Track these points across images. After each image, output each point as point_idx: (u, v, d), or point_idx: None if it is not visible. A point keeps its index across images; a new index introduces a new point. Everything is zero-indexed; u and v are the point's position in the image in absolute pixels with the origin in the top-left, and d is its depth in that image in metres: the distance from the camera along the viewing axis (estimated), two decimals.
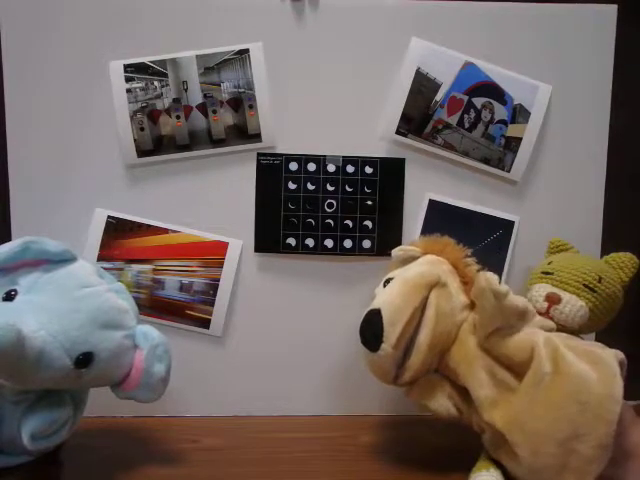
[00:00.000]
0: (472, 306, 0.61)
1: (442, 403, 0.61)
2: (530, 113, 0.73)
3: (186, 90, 0.72)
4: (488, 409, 0.57)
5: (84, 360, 0.54)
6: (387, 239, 0.73)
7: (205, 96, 0.72)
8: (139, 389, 0.59)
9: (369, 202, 0.74)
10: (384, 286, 0.61)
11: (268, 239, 0.74)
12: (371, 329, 0.58)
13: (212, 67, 0.71)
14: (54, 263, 0.57)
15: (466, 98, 0.73)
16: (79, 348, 0.54)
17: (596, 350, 0.56)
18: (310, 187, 0.74)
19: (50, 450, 0.60)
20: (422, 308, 0.59)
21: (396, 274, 0.61)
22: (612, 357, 0.55)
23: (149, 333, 0.59)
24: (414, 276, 0.60)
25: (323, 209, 0.74)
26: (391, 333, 0.57)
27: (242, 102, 0.72)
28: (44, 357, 0.51)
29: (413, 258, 0.63)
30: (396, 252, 0.65)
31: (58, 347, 0.52)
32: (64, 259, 0.58)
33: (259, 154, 0.73)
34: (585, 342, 0.59)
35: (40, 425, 0.55)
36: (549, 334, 0.57)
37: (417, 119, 0.73)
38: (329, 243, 0.74)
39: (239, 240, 0.74)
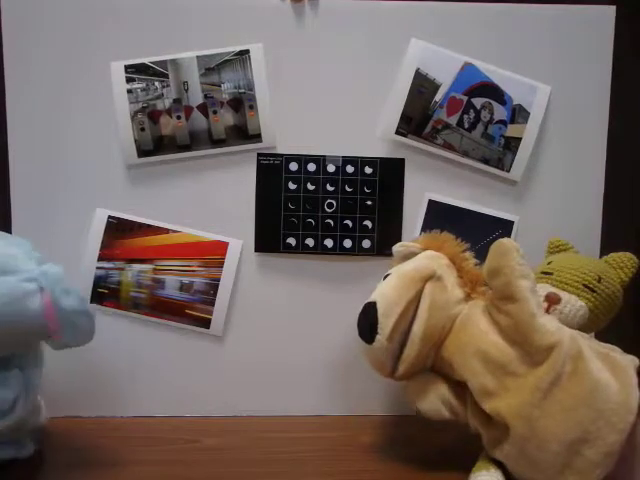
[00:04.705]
0: (467, 300, 0.62)
1: (432, 407, 0.61)
2: (529, 113, 0.73)
3: (187, 90, 0.72)
4: (487, 398, 0.57)
5: None
6: (387, 239, 0.73)
7: (205, 96, 0.72)
8: (64, 331, 0.57)
9: (369, 202, 0.74)
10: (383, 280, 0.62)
11: (268, 239, 0.74)
12: (366, 321, 0.59)
13: (212, 68, 0.72)
14: None
15: (465, 98, 0.73)
16: None
17: (616, 356, 0.56)
18: (310, 187, 0.74)
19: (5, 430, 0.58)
20: (417, 301, 0.60)
21: (394, 269, 0.62)
22: (630, 365, 0.56)
23: (48, 271, 0.57)
24: (409, 270, 0.61)
25: (323, 209, 0.74)
26: (385, 325, 0.58)
27: (242, 102, 0.72)
28: None
29: (414, 254, 0.64)
30: (397, 248, 0.66)
31: None
32: None
33: (259, 154, 0.73)
34: (603, 345, 0.58)
35: None
36: (574, 332, 0.57)
37: (417, 119, 0.73)
38: (329, 243, 0.74)
39: (239, 240, 0.74)
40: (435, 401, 0.61)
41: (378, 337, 0.58)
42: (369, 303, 0.60)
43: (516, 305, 0.56)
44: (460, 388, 0.61)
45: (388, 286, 0.60)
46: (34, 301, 0.56)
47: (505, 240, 0.58)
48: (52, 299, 0.56)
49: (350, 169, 0.74)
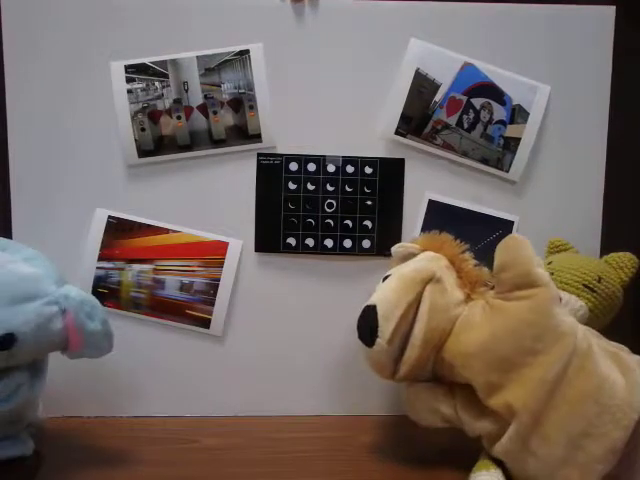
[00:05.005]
0: (467, 301, 0.61)
1: (424, 416, 0.62)
2: (529, 113, 0.74)
3: (187, 91, 0.72)
4: (492, 394, 0.56)
5: (7, 342, 0.53)
6: (387, 239, 0.73)
7: (206, 97, 0.72)
8: (85, 348, 0.58)
9: (369, 202, 0.74)
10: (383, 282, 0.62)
11: (268, 239, 0.74)
12: (366, 324, 0.59)
13: (212, 68, 0.72)
14: None
15: (465, 98, 0.73)
16: None
17: (623, 354, 0.57)
18: (310, 187, 0.74)
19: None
20: (417, 303, 0.60)
21: (394, 271, 0.62)
22: (637, 364, 0.56)
23: (69, 294, 0.57)
24: (409, 272, 0.61)
25: (323, 209, 0.74)
26: (385, 328, 0.58)
27: (242, 103, 0.72)
28: None
29: (413, 255, 0.64)
30: (396, 249, 0.66)
31: None
32: None
33: (259, 154, 0.73)
34: (611, 343, 0.59)
35: None
36: (586, 328, 0.57)
37: (416, 119, 0.73)
38: (329, 243, 0.74)
39: (239, 240, 0.74)
40: (424, 409, 0.62)
41: (378, 340, 0.58)
42: (369, 306, 0.59)
43: (538, 289, 0.55)
44: (451, 394, 0.61)
45: (388, 288, 0.60)
46: (56, 323, 0.57)
47: (517, 234, 0.59)
48: (75, 323, 0.57)
49: (350, 169, 0.74)
